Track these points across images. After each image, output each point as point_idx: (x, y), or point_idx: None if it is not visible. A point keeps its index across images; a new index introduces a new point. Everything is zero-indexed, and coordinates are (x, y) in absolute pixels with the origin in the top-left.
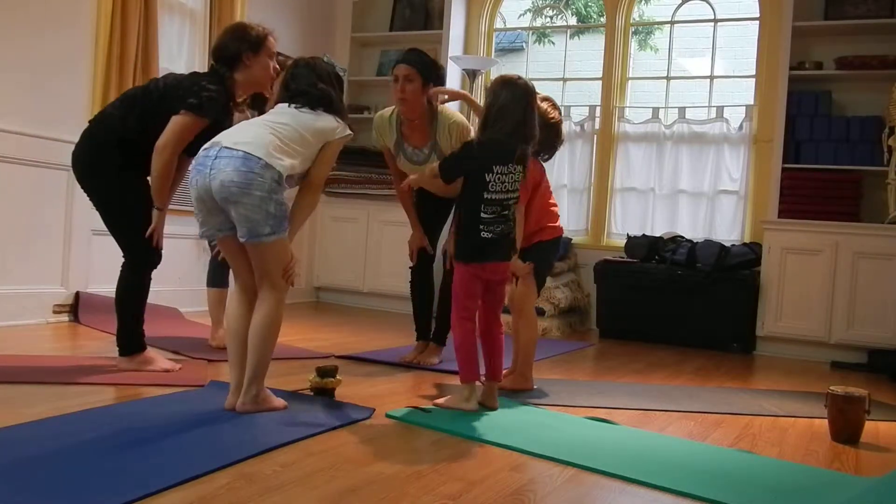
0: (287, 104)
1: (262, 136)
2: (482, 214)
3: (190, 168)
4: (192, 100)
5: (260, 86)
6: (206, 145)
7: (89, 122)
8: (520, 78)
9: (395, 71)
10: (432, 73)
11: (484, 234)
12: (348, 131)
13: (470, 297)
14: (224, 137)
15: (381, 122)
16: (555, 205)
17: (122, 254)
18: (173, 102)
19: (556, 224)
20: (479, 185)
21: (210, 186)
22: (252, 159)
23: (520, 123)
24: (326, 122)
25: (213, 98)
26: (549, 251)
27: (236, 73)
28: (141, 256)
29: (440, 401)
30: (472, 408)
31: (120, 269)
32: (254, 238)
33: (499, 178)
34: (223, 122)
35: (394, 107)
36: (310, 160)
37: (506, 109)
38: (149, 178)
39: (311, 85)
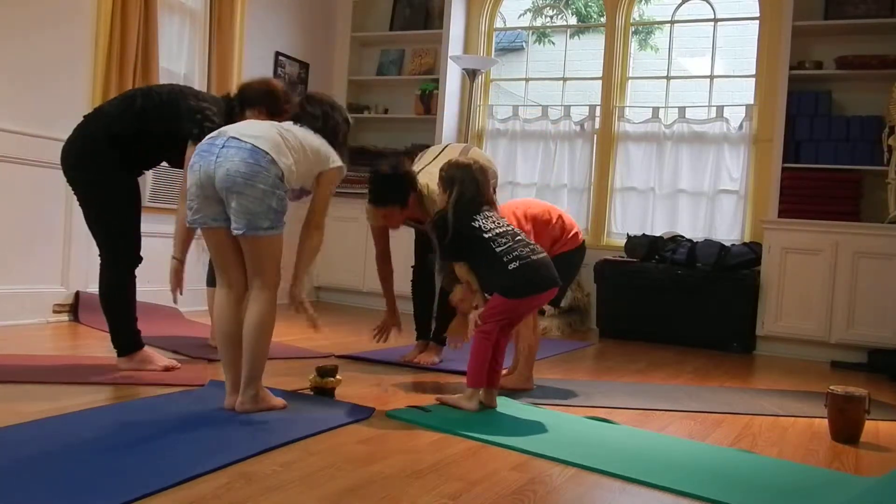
0: (294, 122)
1: (271, 133)
2: (496, 250)
3: (193, 154)
4: (195, 130)
5: None
6: (211, 134)
7: (84, 116)
8: (475, 162)
9: (368, 209)
10: (400, 193)
11: (512, 266)
12: (342, 164)
13: (502, 321)
14: (231, 129)
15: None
16: (570, 223)
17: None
18: (172, 119)
19: (575, 234)
20: (474, 235)
21: (214, 174)
22: (259, 152)
23: (476, 190)
24: (325, 146)
25: (214, 127)
26: (572, 261)
27: (248, 111)
28: (120, 257)
29: (444, 396)
30: (473, 407)
31: (99, 269)
32: (251, 231)
33: (486, 219)
34: None
35: None
36: (305, 178)
37: (465, 180)
38: (139, 177)
39: (324, 114)
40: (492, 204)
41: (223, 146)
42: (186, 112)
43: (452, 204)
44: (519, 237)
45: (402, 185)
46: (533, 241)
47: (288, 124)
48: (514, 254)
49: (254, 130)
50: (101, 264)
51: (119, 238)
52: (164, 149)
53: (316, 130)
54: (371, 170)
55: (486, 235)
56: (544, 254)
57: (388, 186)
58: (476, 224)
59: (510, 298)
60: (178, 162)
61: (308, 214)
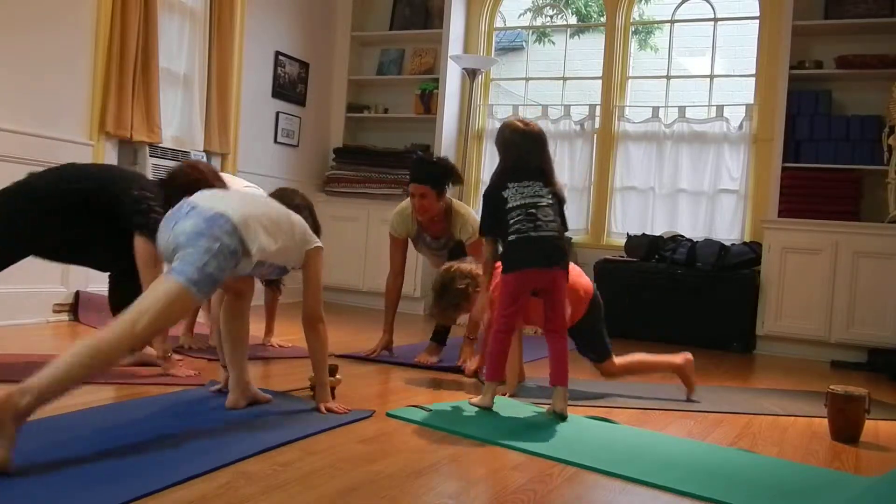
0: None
1: (245, 208)
2: (510, 221)
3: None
4: (139, 219)
5: None
6: (183, 202)
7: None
8: (527, 124)
9: (410, 189)
10: (442, 179)
11: (512, 237)
12: (321, 244)
13: (508, 306)
14: (202, 198)
15: (402, 218)
16: (575, 287)
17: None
18: (113, 207)
19: (583, 293)
20: (501, 206)
21: (168, 245)
22: (221, 219)
23: (522, 157)
24: (305, 225)
25: (160, 221)
26: (591, 321)
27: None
28: (131, 268)
29: (474, 400)
30: (485, 404)
31: (109, 279)
32: (173, 271)
33: (516, 191)
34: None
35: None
36: (290, 256)
37: (509, 146)
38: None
39: (299, 207)
40: (543, 172)
41: (185, 215)
42: (131, 202)
43: (494, 173)
44: (531, 211)
45: (446, 173)
46: (550, 216)
47: (275, 202)
48: (516, 227)
49: (225, 202)
50: (112, 276)
51: (119, 262)
52: (96, 240)
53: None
54: (420, 153)
55: (507, 206)
56: (552, 232)
57: (433, 168)
58: (504, 195)
59: (504, 273)
60: (107, 259)
61: (305, 309)
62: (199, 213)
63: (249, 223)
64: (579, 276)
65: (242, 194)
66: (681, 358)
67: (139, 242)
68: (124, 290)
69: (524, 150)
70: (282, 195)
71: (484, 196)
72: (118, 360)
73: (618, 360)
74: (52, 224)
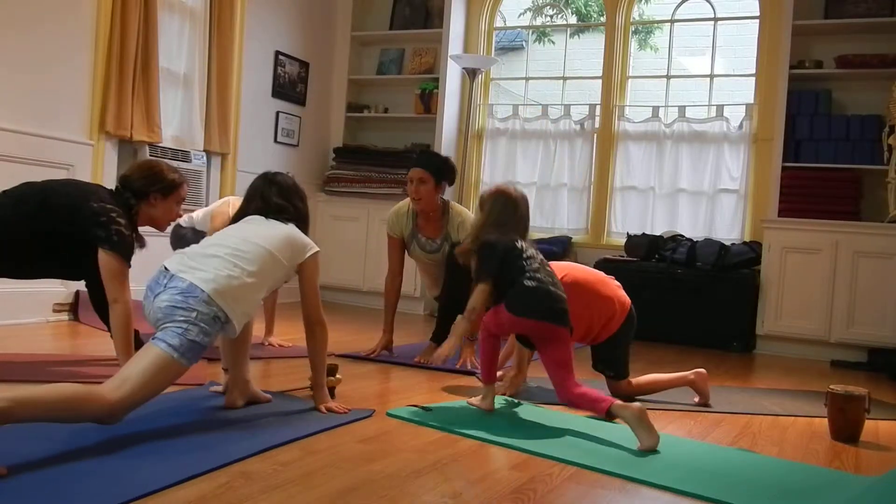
0: (264, 217)
1: (222, 276)
2: (527, 266)
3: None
4: (101, 233)
5: (156, 225)
6: (165, 265)
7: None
8: (515, 189)
9: (409, 174)
10: (444, 173)
11: (527, 283)
12: (317, 248)
13: (498, 330)
14: (180, 265)
15: (398, 217)
16: (612, 299)
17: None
18: (73, 223)
19: (618, 306)
20: (514, 254)
21: (150, 317)
22: (196, 290)
23: (523, 218)
24: (297, 234)
25: (123, 233)
26: (623, 335)
27: (142, 204)
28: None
29: (472, 400)
30: (485, 406)
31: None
32: (155, 339)
33: (524, 245)
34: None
35: (409, 201)
36: (282, 279)
37: (518, 207)
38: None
39: (287, 201)
40: (525, 236)
41: (165, 286)
42: (91, 216)
43: (495, 225)
44: (548, 268)
45: (447, 169)
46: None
47: (256, 221)
48: (537, 276)
49: (202, 266)
50: (87, 285)
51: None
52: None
53: (287, 220)
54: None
55: (524, 255)
56: (563, 293)
57: (437, 159)
58: (519, 245)
59: (512, 314)
60: (75, 272)
61: (305, 313)
62: (175, 285)
63: (226, 296)
64: (618, 288)
65: (223, 250)
66: (693, 374)
67: (103, 257)
68: (101, 296)
69: (527, 215)
70: (262, 198)
71: (493, 242)
72: (85, 420)
73: (633, 381)
74: (8, 249)
